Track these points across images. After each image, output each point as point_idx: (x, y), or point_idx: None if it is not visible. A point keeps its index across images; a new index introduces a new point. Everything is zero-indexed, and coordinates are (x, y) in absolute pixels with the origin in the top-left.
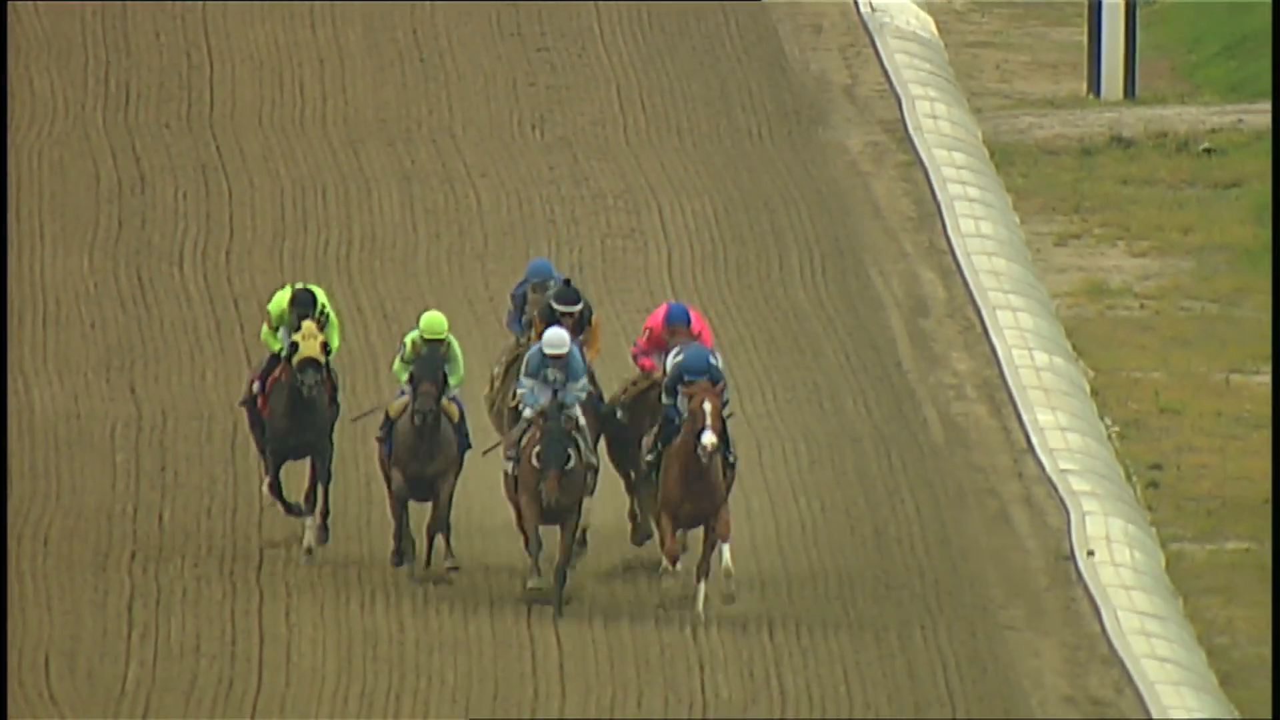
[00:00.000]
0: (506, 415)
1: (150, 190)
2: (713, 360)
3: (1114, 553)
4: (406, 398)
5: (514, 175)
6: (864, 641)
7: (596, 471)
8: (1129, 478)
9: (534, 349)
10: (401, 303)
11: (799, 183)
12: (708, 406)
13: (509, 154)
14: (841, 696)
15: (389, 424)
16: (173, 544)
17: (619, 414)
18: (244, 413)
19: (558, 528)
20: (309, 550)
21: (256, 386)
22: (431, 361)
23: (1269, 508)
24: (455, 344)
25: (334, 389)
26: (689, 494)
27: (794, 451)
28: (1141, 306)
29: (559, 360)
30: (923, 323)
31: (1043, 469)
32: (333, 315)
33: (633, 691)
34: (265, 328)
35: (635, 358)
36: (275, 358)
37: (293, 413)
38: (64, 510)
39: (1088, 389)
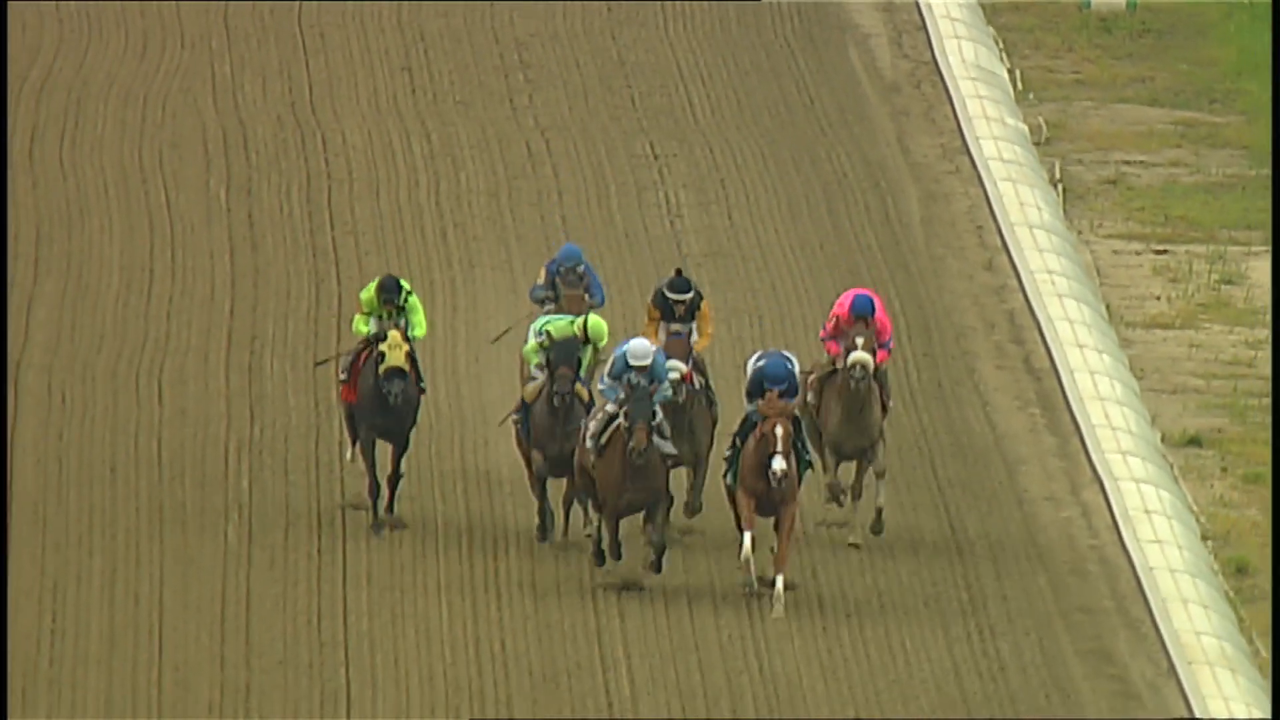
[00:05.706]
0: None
1: None
2: (790, 367)
3: None
4: (540, 381)
5: None
6: None
7: (676, 464)
8: None
9: (619, 352)
10: None
11: None
12: (779, 432)
13: None
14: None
15: (525, 407)
16: None
17: (808, 396)
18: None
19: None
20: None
21: (344, 375)
22: (568, 346)
23: None
24: (601, 323)
25: (419, 377)
26: (762, 492)
27: None
28: None
29: (643, 370)
30: None
31: None
32: (416, 300)
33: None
34: (358, 315)
35: (823, 342)
36: (365, 342)
37: (379, 409)
38: None
39: None
